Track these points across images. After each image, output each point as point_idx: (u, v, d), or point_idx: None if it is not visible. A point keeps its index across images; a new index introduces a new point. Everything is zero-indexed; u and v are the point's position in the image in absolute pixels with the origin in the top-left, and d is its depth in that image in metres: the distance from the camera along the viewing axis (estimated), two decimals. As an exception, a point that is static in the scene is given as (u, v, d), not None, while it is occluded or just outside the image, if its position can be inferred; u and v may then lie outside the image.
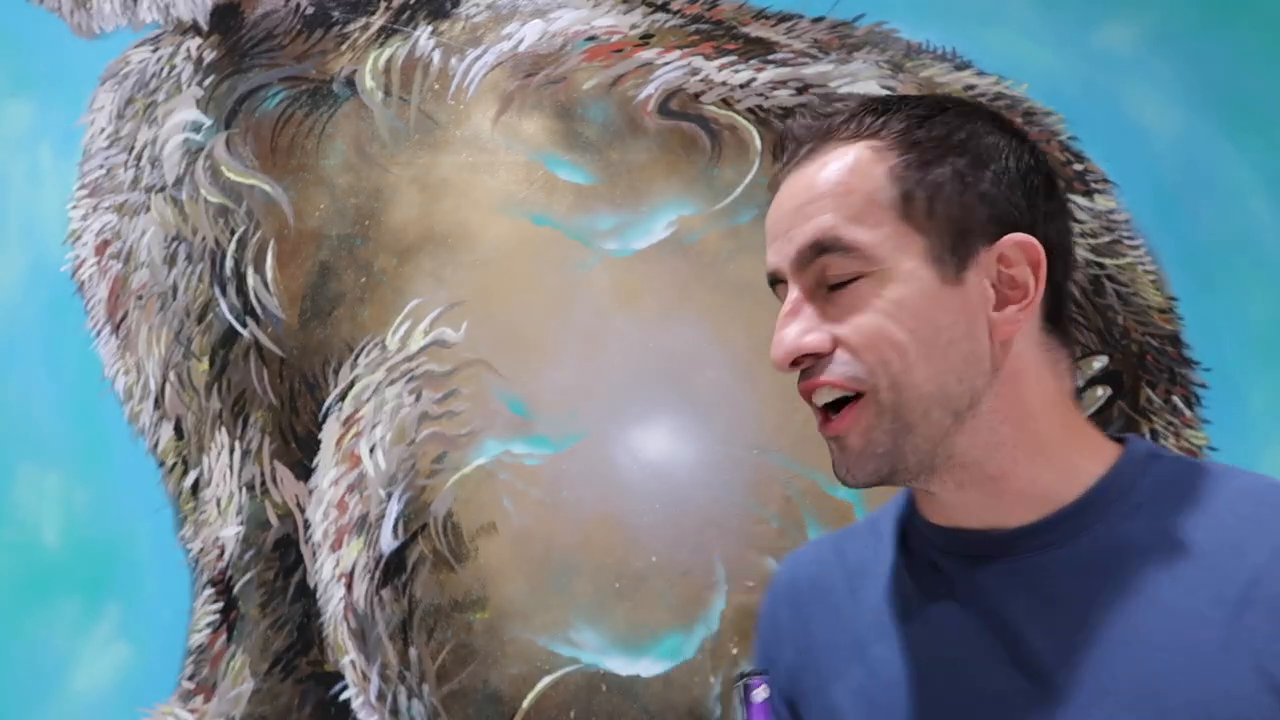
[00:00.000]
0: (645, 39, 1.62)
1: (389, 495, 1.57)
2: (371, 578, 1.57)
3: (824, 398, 0.66)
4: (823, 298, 0.65)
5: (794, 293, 0.66)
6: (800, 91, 1.59)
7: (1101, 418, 1.52)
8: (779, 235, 0.68)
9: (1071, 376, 0.66)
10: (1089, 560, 0.62)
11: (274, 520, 1.62)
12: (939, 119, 0.65)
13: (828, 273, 0.65)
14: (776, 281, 0.70)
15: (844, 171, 0.64)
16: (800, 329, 0.65)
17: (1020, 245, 0.63)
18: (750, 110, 1.59)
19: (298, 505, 1.61)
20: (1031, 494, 0.64)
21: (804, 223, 0.65)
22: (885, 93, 1.59)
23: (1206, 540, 0.60)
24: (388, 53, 1.65)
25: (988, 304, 0.63)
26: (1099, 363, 1.53)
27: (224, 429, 1.63)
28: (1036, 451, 0.64)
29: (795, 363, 0.65)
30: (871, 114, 0.66)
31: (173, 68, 1.70)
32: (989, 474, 0.64)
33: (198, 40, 1.70)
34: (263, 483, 1.62)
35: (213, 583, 1.64)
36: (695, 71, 1.60)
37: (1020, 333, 0.63)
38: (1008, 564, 0.64)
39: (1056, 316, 0.65)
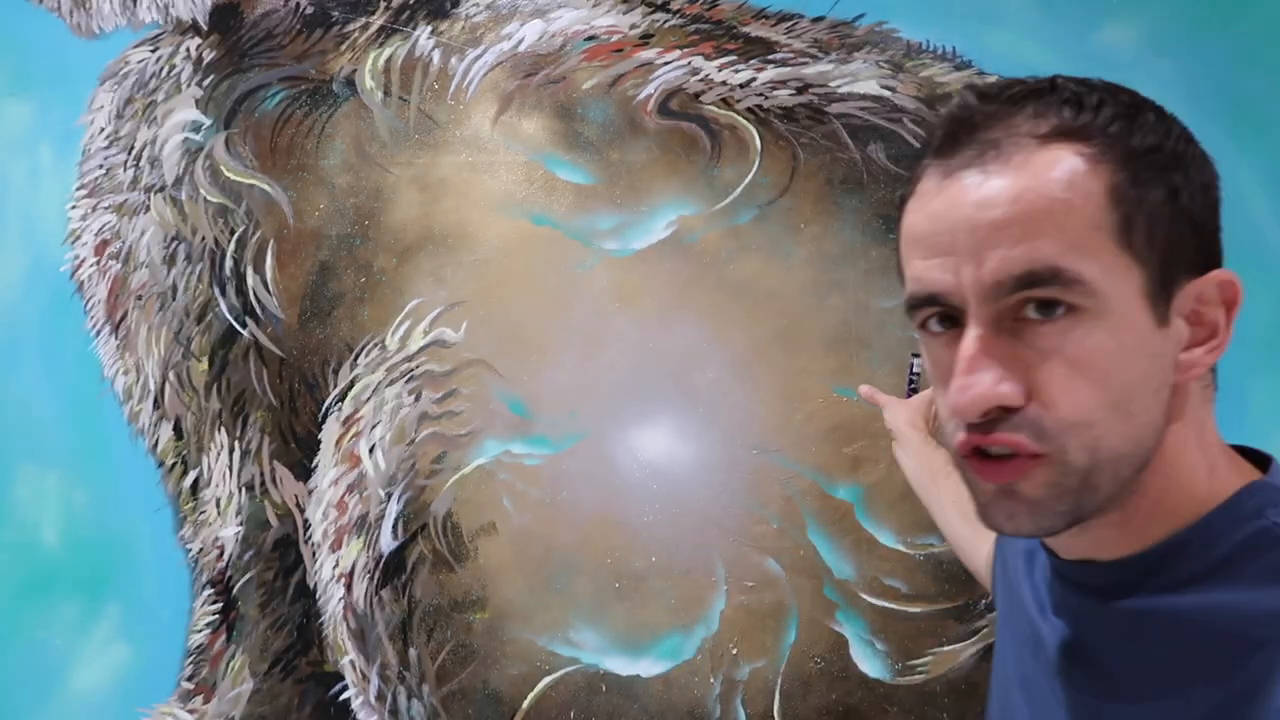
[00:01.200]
0: (645, 39, 1.62)
1: (389, 495, 1.57)
2: (371, 578, 1.57)
3: (994, 451, 0.55)
4: (1010, 333, 0.53)
5: (979, 329, 0.54)
6: (800, 91, 1.59)
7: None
8: (959, 253, 0.54)
9: (1211, 406, 0.58)
10: (1128, 621, 0.58)
11: (274, 520, 1.62)
12: (1145, 120, 0.55)
13: (1026, 307, 0.53)
14: (929, 303, 0.56)
15: (1062, 185, 0.52)
16: (995, 376, 0.53)
17: (1222, 284, 0.55)
18: (750, 110, 1.59)
19: (297, 505, 1.61)
20: (1142, 536, 0.58)
21: (1010, 245, 0.52)
22: (884, 93, 1.59)
23: (1230, 634, 0.53)
24: (387, 53, 1.65)
25: (1182, 343, 0.55)
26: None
27: (223, 429, 1.63)
28: (1172, 496, 0.57)
29: (985, 414, 0.54)
30: (1070, 104, 0.54)
31: (172, 68, 1.70)
32: (1125, 517, 0.58)
33: (197, 40, 1.70)
34: (262, 483, 1.62)
35: (212, 583, 1.64)
36: (695, 71, 1.60)
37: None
38: (1095, 603, 0.60)
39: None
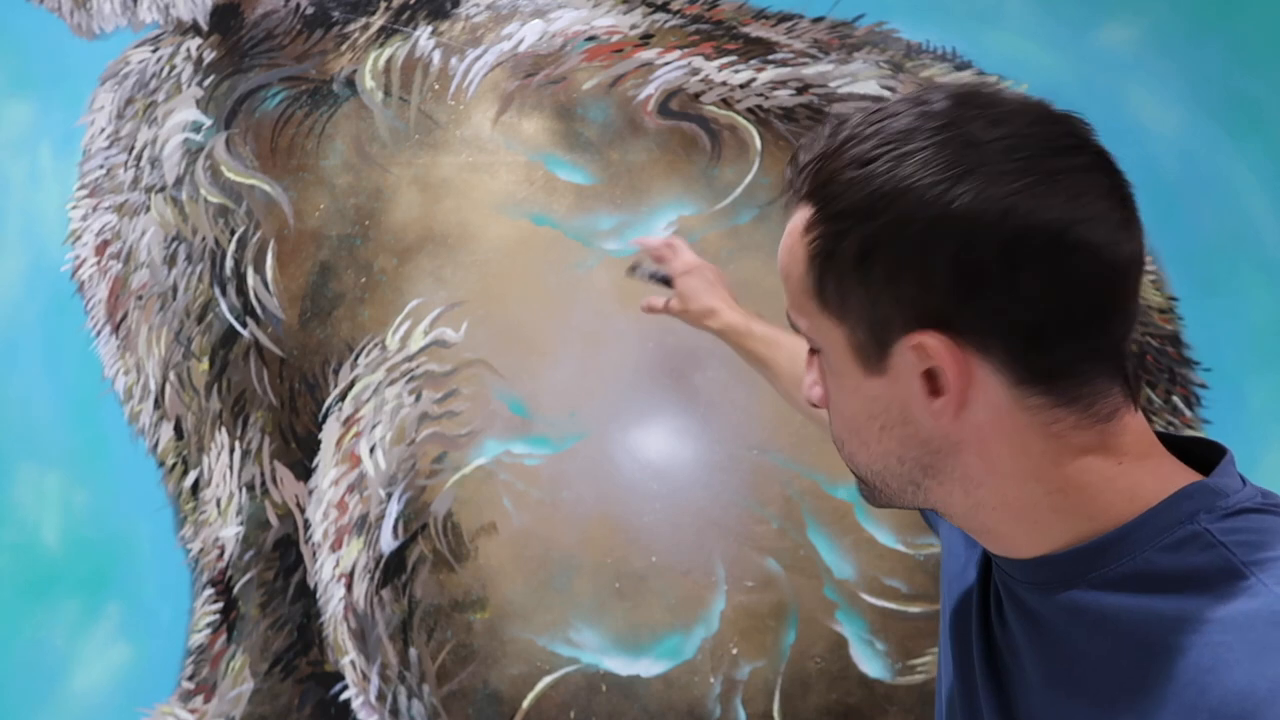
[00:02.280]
0: (645, 39, 1.62)
1: (389, 495, 1.57)
2: (371, 578, 1.57)
3: None
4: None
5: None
6: (800, 91, 1.59)
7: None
8: None
9: (1089, 427, 0.58)
10: (1052, 614, 0.60)
11: (274, 520, 1.62)
12: (856, 177, 0.57)
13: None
14: None
15: (785, 250, 0.62)
16: (809, 380, 0.66)
17: (921, 344, 0.56)
18: (750, 110, 1.59)
19: (298, 505, 1.61)
20: (1034, 540, 0.61)
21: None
22: (884, 93, 1.59)
23: (1163, 642, 0.55)
24: (388, 53, 1.65)
25: (918, 391, 0.58)
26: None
27: (224, 429, 1.63)
28: (1020, 512, 0.60)
29: (811, 402, 0.67)
30: (820, 158, 0.59)
31: (173, 68, 1.70)
32: (974, 527, 0.64)
33: (198, 40, 1.70)
34: (263, 483, 1.62)
35: (213, 583, 1.64)
36: (695, 71, 1.60)
37: (976, 408, 0.57)
38: (1014, 584, 0.64)
39: (1047, 375, 0.57)
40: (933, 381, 0.58)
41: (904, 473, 0.62)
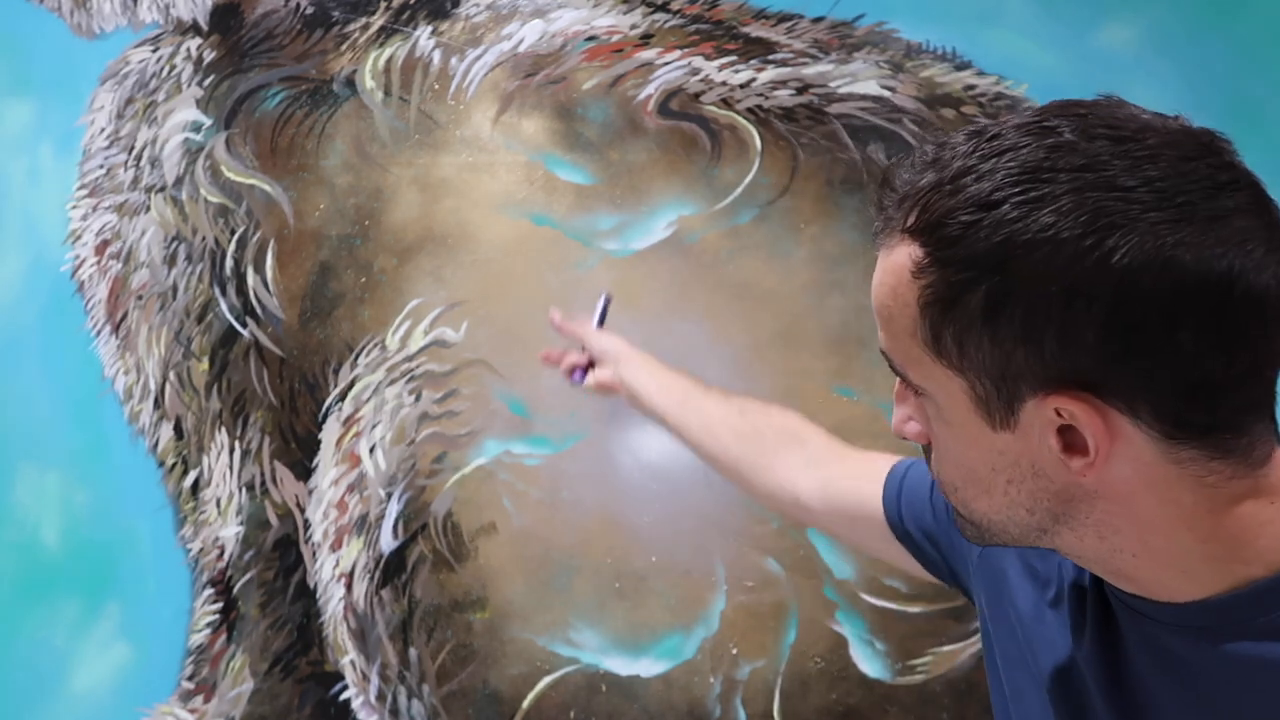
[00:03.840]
0: (645, 39, 1.62)
1: (389, 495, 1.57)
2: (371, 578, 1.57)
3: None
4: (911, 392, 0.60)
5: (898, 379, 0.61)
6: (800, 91, 1.59)
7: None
8: None
9: (1244, 476, 0.54)
10: (1184, 655, 0.57)
11: (274, 520, 1.62)
12: (990, 217, 0.51)
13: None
14: None
15: (887, 291, 0.56)
16: (901, 415, 0.61)
17: (1063, 407, 0.52)
18: (750, 110, 1.59)
19: (298, 505, 1.61)
20: (1161, 588, 0.57)
21: (878, 327, 0.59)
22: (884, 93, 1.59)
23: None
24: (388, 53, 1.65)
25: (1053, 448, 0.53)
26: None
27: (224, 429, 1.63)
28: (1169, 560, 0.56)
29: (900, 435, 0.62)
30: (930, 190, 0.54)
31: (173, 68, 1.70)
32: (1108, 570, 0.59)
33: (198, 40, 1.70)
34: (263, 483, 1.62)
35: (213, 583, 1.64)
36: (695, 71, 1.60)
37: (1119, 463, 0.53)
38: (1146, 623, 0.59)
39: (1200, 429, 0.52)
40: (1069, 436, 0.53)
41: (1033, 522, 0.57)
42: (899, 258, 0.55)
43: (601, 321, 1.20)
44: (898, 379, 0.60)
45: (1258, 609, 0.54)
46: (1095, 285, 0.49)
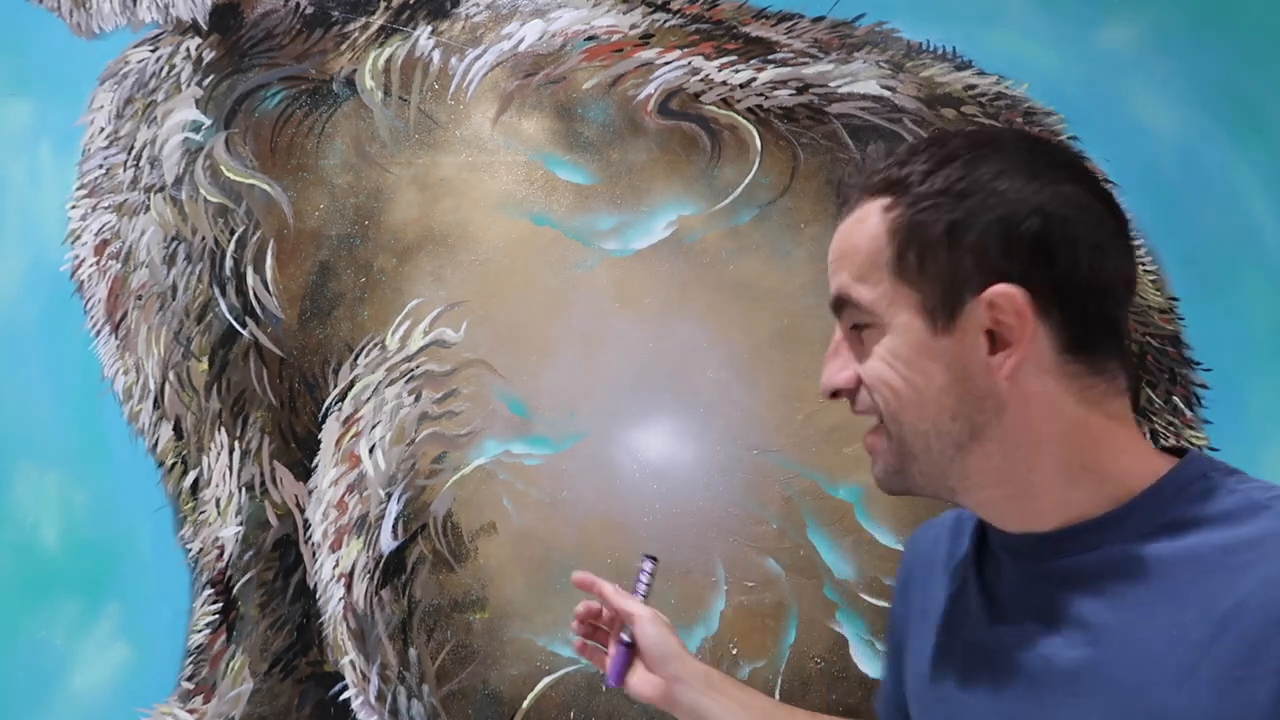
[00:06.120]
0: (645, 39, 1.62)
1: (389, 495, 1.57)
2: (371, 578, 1.57)
3: (865, 422, 0.74)
4: (854, 338, 0.73)
5: (836, 333, 0.75)
6: (800, 91, 1.59)
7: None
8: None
9: (1109, 399, 0.69)
10: (1096, 570, 0.67)
11: (273, 520, 1.62)
12: (947, 169, 0.69)
13: (850, 320, 0.73)
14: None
15: (856, 231, 0.72)
16: (834, 368, 0.74)
17: (999, 296, 0.66)
18: (750, 110, 1.59)
19: (297, 505, 1.61)
20: (1058, 507, 0.69)
21: (833, 276, 0.74)
22: (884, 93, 1.59)
23: (1211, 562, 0.63)
24: (387, 52, 1.65)
25: (981, 349, 0.67)
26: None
27: (223, 429, 1.63)
28: (1056, 473, 0.68)
29: (834, 394, 0.74)
30: (897, 165, 0.71)
31: (172, 67, 1.70)
32: (1008, 493, 0.70)
33: (197, 40, 1.70)
34: (262, 483, 1.62)
35: (212, 583, 1.64)
36: (695, 71, 1.60)
37: (1028, 368, 0.67)
38: (1036, 564, 0.70)
39: (1083, 345, 0.67)
40: (994, 341, 0.67)
41: (953, 431, 0.68)
42: (866, 210, 0.72)
43: (646, 593, 0.99)
44: (835, 338, 0.74)
45: (1125, 522, 0.66)
46: (1033, 211, 0.66)
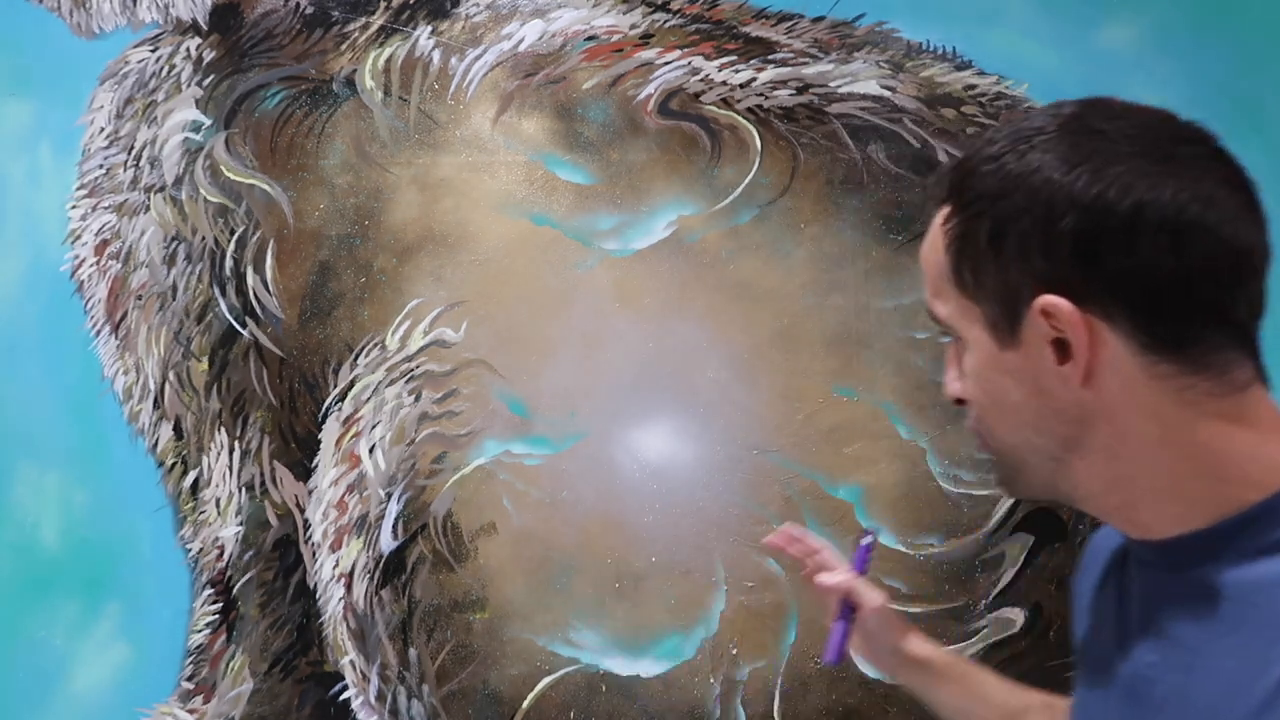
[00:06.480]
0: (645, 39, 1.62)
1: (389, 495, 1.57)
2: (371, 578, 1.57)
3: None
4: (956, 348, 0.70)
5: (951, 343, 0.71)
6: (800, 91, 1.59)
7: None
8: None
9: (1220, 398, 0.61)
10: (1199, 587, 0.62)
11: (273, 520, 1.62)
12: (989, 169, 0.63)
13: (944, 331, 0.70)
14: None
15: (927, 245, 0.68)
16: (949, 376, 0.71)
17: (1047, 305, 0.60)
18: (750, 110, 1.59)
19: (297, 505, 1.61)
20: (1167, 518, 0.63)
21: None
22: (884, 93, 1.59)
23: None
24: (387, 52, 1.65)
25: (1049, 360, 0.62)
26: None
27: (223, 429, 1.63)
28: (1161, 481, 0.62)
29: (957, 402, 0.71)
30: (959, 163, 0.67)
31: (172, 67, 1.70)
32: (1117, 502, 0.65)
33: (197, 40, 1.70)
34: (262, 483, 1.62)
35: (212, 583, 1.64)
36: (695, 71, 1.60)
37: (1107, 375, 0.61)
38: (1154, 574, 0.66)
39: (1171, 342, 0.60)
40: (1062, 351, 0.61)
41: (1043, 446, 0.65)
42: (936, 220, 0.67)
43: (865, 569, 1.02)
44: (947, 347, 0.70)
45: (1240, 536, 0.60)
46: (1067, 202, 0.60)
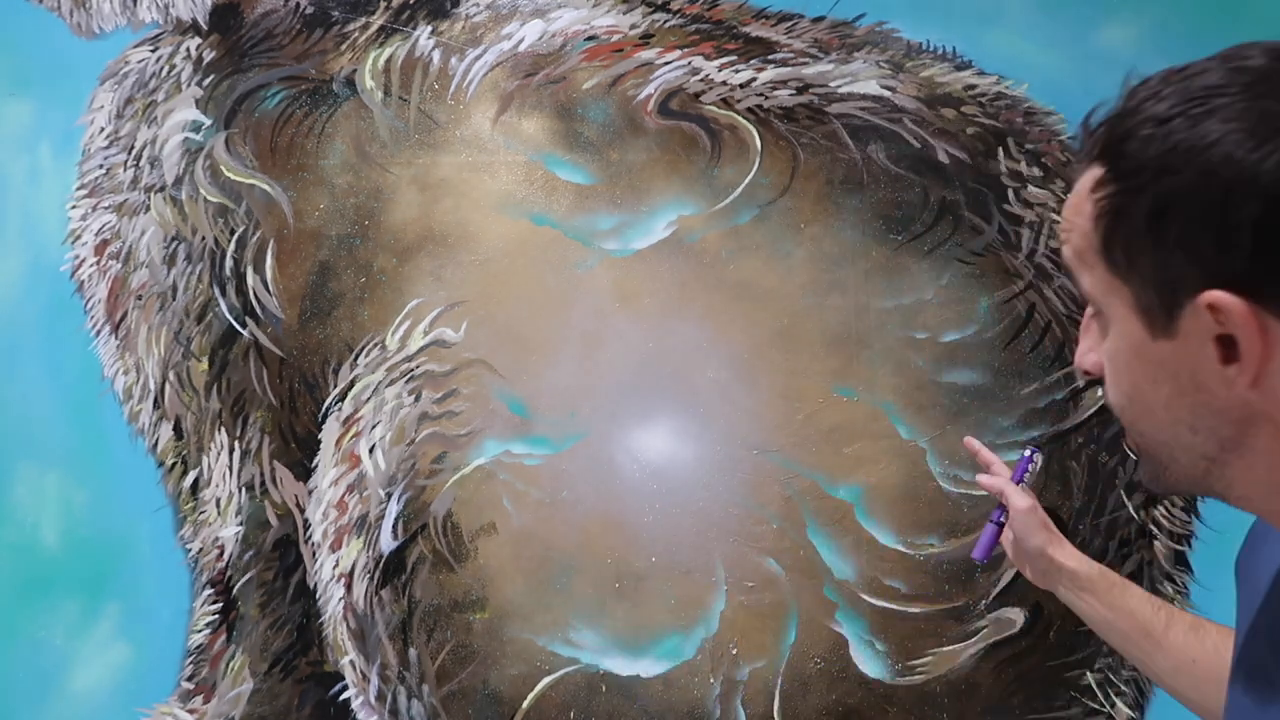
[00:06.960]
0: (645, 39, 1.62)
1: (388, 495, 1.57)
2: (371, 578, 1.57)
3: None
4: (1097, 319, 0.63)
5: (1089, 310, 0.64)
6: (800, 91, 1.59)
7: (1103, 417, 1.52)
8: None
9: None
10: None
11: (273, 520, 1.62)
12: (1152, 133, 0.54)
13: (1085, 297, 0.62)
14: None
15: (1071, 209, 0.60)
16: (1082, 347, 0.64)
17: (1218, 301, 0.52)
18: (750, 110, 1.59)
19: (297, 505, 1.61)
20: None
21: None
22: (884, 93, 1.59)
23: None
24: (387, 52, 1.65)
25: (1211, 357, 0.55)
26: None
27: (223, 429, 1.63)
28: None
29: (1083, 371, 0.65)
30: (1114, 117, 0.58)
31: (172, 67, 1.70)
32: (1277, 508, 0.60)
33: (197, 40, 1.70)
34: (262, 483, 1.62)
35: (212, 583, 1.64)
36: (695, 71, 1.60)
37: (1278, 378, 0.54)
38: None
39: None
40: (1227, 348, 0.54)
41: (1197, 445, 0.58)
42: (1084, 181, 0.59)
43: (1024, 479, 1.07)
44: (1088, 311, 0.63)
45: None
46: (1252, 187, 0.51)
